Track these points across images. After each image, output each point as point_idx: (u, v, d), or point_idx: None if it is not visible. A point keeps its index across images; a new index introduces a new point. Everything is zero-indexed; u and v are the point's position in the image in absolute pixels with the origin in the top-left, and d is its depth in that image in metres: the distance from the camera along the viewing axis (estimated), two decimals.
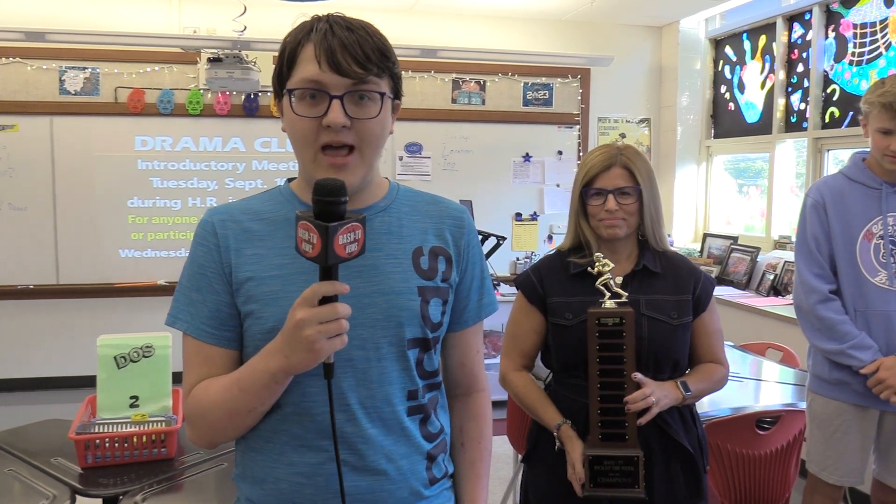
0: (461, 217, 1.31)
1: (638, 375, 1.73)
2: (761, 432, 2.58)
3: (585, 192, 1.86)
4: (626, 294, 1.77)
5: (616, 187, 1.81)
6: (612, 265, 1.76)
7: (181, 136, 5.46)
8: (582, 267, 1.85)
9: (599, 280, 1.76)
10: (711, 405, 2.68)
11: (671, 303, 1.83)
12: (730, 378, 3.13)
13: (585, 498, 1.75)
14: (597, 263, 1.77)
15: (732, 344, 3.69)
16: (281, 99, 1.18)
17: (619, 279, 1.86)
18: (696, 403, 1.96)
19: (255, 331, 1.18)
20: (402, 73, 1.28)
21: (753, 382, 3.09)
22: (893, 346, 2.27)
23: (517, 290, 1.98)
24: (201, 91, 5.42)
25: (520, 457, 3.12)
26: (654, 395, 1.72)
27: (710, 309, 1.91)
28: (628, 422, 1.71)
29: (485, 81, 5.82)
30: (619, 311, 1.72)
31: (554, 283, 1.89)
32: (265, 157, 5.60)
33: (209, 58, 4.93)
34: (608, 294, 1.75)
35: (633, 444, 1.72)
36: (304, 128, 1.13)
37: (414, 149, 5.69)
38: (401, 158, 5.67)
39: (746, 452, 2.58)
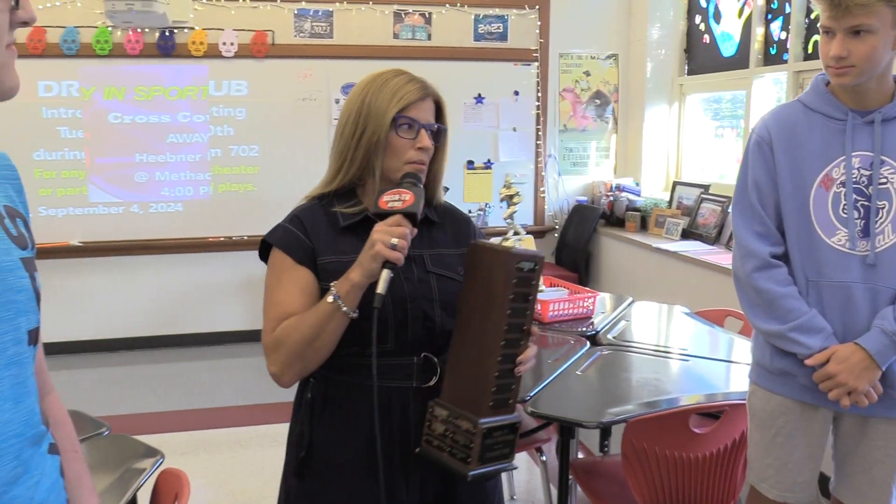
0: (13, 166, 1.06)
1: (536, 330, 1.46)
2: (699, 431, 2.10)
3: (396, 121, 1.47)
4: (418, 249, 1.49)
5: (428, 122, 1.51)
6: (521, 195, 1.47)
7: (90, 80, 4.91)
8: (354, 219, 1.50)
9: (509, 212, 1.47)
10: (637, 396, 2.19)
11: (454, 257, 1.57)
12: (672, 357, 2.67)
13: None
14: (504, 189, 1.47)
15: (687, 311, 3.18)
16: None
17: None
18: None
19: None
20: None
21: (699, 361, 2.58)
22: (853, 328, 1.74)
23: (274, 248, 1.49)
24: (110, 29, 4.84)
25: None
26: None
27: None
28: (515, 384, 1.47)
29: (430, 13, 5.21)
30: (536, 255, 1.44)
31: (323, 239, 1.49)
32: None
33: None
34: (513, 232, 1.43)
35: (513, 409, 1.49)
36: None
37: None
38: (337, 101, 5.09)
39: (679, 456, 2.10)
